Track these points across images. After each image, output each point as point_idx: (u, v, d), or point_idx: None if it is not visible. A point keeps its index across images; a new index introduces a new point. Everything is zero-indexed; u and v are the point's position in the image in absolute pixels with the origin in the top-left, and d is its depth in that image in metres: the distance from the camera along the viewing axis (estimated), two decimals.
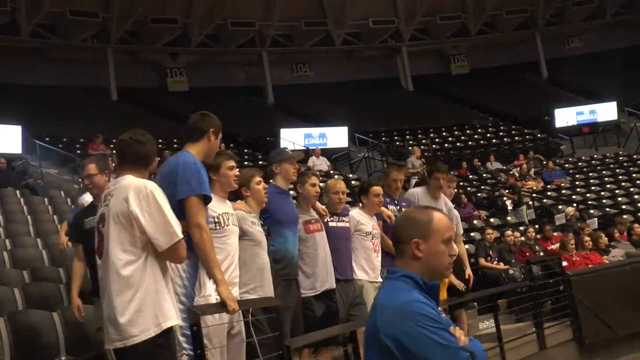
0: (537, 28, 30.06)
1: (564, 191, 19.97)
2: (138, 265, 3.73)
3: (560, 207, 17.98)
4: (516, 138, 25.57)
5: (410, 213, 2.82)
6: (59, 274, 8.12)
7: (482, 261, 11.60)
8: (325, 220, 6.37)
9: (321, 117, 25.01)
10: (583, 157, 23.67)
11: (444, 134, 25.46)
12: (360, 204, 6.94)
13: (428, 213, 2.75)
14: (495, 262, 11.82)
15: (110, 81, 24.61)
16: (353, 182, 18.64)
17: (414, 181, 17.93)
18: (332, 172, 20.36)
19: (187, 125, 4.64)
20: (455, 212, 8.17)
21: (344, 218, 6.63)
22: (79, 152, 18.76)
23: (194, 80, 26.51)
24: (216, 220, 4.65)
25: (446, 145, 24.66)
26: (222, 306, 4.18)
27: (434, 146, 23.76)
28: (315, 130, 23.63)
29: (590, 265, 11.64)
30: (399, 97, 28.21)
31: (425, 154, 21.11)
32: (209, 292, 4.29)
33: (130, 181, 3.86)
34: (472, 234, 14.38)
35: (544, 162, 21.94)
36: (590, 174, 22.01)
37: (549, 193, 19.71)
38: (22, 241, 10.03)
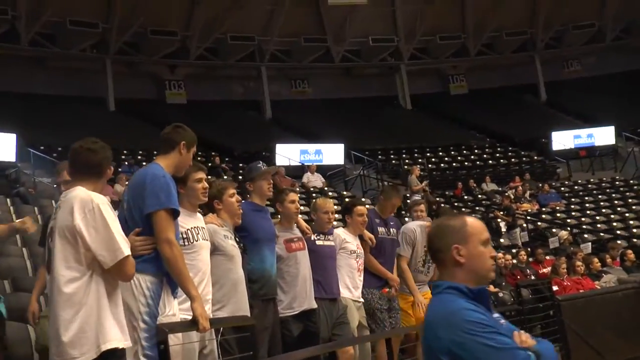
0: (536, 50, 30.08)
1: (558, 214, 19.90)
2: (82, 283, 3.61)
3: (554, 230, 17.91)
4: (513, 160, 25.51)
5: (443, 222, 2.77)
6: None
7: None
8: (313, 238, 6.32)
9: (318, 134, 24.99)
10: (579, 181, 23.62)
11: (441, 153, 25.41)
12: (344, 224, 6.90)
13: (460, 218, 2.74)
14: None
15: (108, 92, 24.57)
16: (347, 199, 18.54)
17: (416, 198, 17.88)
18: (326, 188, 20.29)
19: (160, 136, 4.52)
20: None
21: (329, 237, 6.60)
22: None
23: (192, 92, 26.50)
24: (184, 235, 4.51)
25: (442, 165, 24.61)
26: (192, 324, 4.08)
27: (430, 165, 23.69)
28: (312, 147, 23.61)
29: (581, 291, 11.57)
30: (397, 115, 28.19)
31: (421, 173, 21.04)
32: (173, 312, 4.16)
33: (78, 193, 3.72)
34: None
35: (540, 185, 21.86)
36: (586, 198, 21.95)
37: (543, 216, 19.64)
38: (7, 250, 9.92)
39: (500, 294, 11.37)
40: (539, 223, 18.95)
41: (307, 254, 6.10)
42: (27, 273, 8.75)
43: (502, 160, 25.41)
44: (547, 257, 14.09)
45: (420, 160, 24.06)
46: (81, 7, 23.60)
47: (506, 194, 20.37)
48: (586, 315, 10.59)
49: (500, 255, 12.71)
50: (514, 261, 12.97)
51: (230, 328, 4.83)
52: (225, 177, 18.06)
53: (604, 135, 25.92)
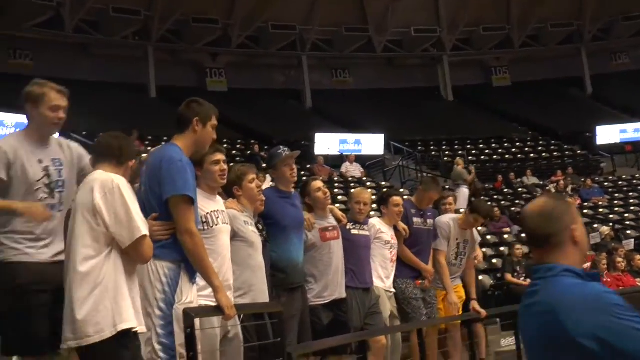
0: (583, 42, 29.57)
1: (601, 210, 19.53)
2: (98, 261, 3.60)
3: (595, 225, 17.57)
4: (555, 153, 25.15)
5: (548, 205, 2.60)
6: None
7: (508, 277, 11.36)
8: (348, 227, 6.27)
9: (358, 124, 24.90)
10: (624, 176, 23.15)
11: (482, 145, 25.14)
12: (380, 214, 6.85)
13: (563, 200, 2.67)
14: (522, 278, 11.55)
15: (150, 79, 24.78)
16: (385, 190, 18.44)
17: (461, 189, 17.71)
18: (365, 179, 20.20)
19: (177, 114, 4.33)
20: (478, 237, 8.10)
21: (364, 227, 6.56)
22: None
23: (233, 80, 26.58)
24: (204, 219, 4.39)
25: (482, 157, 24.34)
26: (218, 309, 4.02)
27: (470, 158, 23.44)
28: (351, 137, 23.52)
29: (621, 287, 11.36)
30: (438, 107, 27.97)
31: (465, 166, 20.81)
32: (190, 299, 4.07)
33: (99, 175, 3.76)
34: (501, 248, 14.12)
35: (582, 180, 21.50)
36: (630, 194, 21.50)
37: (585, 211, 19.29)
38: None
39: None
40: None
41: (341, 243, 6.03)
42: None
43: (544, 154, 25.06)
44: (588, 253, 13.84)
45: (460, 152, 23.82)
46: None
47: (547, 187, 20.05)
48: None
49: None
50: None
51: (250, 316, 4.77)
52: (264, 165, 18.07)
53: None
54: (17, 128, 18.18)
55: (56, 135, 4.39)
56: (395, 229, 6.89)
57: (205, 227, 4.34)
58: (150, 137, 19.91)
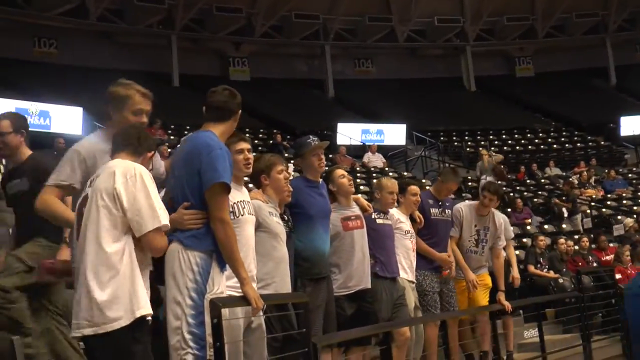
0: (608, 33, 29.30)
1: (624, 201, 19.40)
2: (115, 247, 3.56)
3: (619, 217, 17.47)
4: (578, 144, 24.99)
5: None
6: None
7: (531, 268, 11.33)
8: (373, 217, 6.23)
9: (380, 114, 24.86)
10: None
11: (504, 136, 25.03)
12: (396, 204, 6.82)
13: None
14: (545, 270, 11.53)
15: (173, 67, 24.86)
16: (402, 179, 18.43)
17: (482, 179, 17.60)
18: (387, 169, 20.19)
19: (213, 102, 4.27)
20: (503, 215, 8.06)
21: (387, 216, 6.52)
22: None
23: (255, 70, 26.61)
24: (231, 209, 4.31)
25: (505, 148, 24.20)
26: (244, 299, 4.03)
27: (492, 148, 23.32)
28: (373, 126, 23.49)
29: None
30: (461, 97, 27.85)
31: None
32: (221, 290, 4.04)
33: (119, 162, 3.71)
34: (524, 239, 14.08)
35: (606, 171, 21.35)
36: None
37: (608, 202, 19.19)
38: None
39: (560, 280, 11.16)
40: (604, 210, 18.52)
41: (364, 233, 5.96)
42: None
43: (567, 145, 24.91)
44: (611, 245, 13.77)
45: (483, 142, 23.73)
46: None
47: (570, 179, 19.94)
48: None
49: (562, 240, 12.44)
50: (576, 247, 12.70)
51: (273, 307, 4.75)
52: (286, 155, 18.10)
53: None
54: (40, 117, 18.42)
55: None
56: (411, 219, 6.87)
57: (232, 217, 4.27)
58: (173, 126, 20.01)
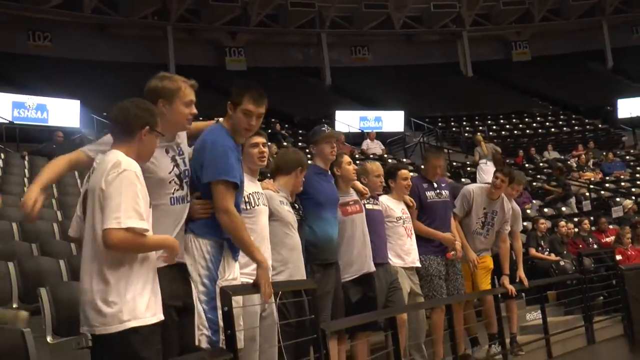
0: (604, 15, 29.29)
1: (623, 183, 19.45)
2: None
3: (618, 199, 17.53)
4: (576, 128, 25.03)
5: None
6: None
7: (532, 251, 11.37)
8: (363, 202, 6.23)
9: (378, 101, 24.87)
10: None
11: (502, 121, 25.08)
12: (389, 189, 6.81)
13: None
14: (547, 252, 11.57)
15: (169, 58, 24.83)
16: (392, 164, 18.44)
17: (482, 163, 17.61)
18: (385, 155, 20.21)
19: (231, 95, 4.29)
20: (516, 207, 8.08)
21: (376, 202, 6.51)
22: None
23: (252, 59, 26.62)
24: (246, 200, 4.46)
25: (503, 132, 24.28)
26: (255, 287, 4.08)
27: (490, 133, 23.40)
28: (371, 114, 23.53)
29: None
30: (458, 82, 27.87)
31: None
32: (233, 276, 4.10)
33: (111, 157, 3.51)
34: (524, 223, 14.07)
35: (604, 153, 21.40)
36: None
37: (607, 185, 19.25)
38: (73, 213, 10.08)
39: (562, 263, 11.20)
40: (602, 192, 18.57)
41: (364, 217, 6.01)
42: (54, 237, 8.84)
43: (565, 128, 24.95)
44: (610, 227, 13.82)
45: (481, 127, 23.78)
46: None
47: (565, 162, 19.98)
48: None
49: (562, 223, 12.48)
50: (576, 230, 12.74)
51: (288, 293, 4.81)
52: (285, 143, 18.12)
53: None
54: (38, 110, 18.42)
55: None
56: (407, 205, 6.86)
57: (248, 207, 4.41)
58: None
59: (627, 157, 22.02)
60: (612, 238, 12.51)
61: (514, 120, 25.19)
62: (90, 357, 4.78)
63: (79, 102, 18.50)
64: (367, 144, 20.55)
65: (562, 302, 10.40)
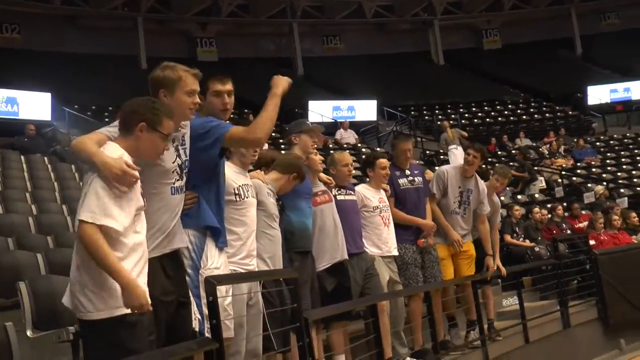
0: (573, 3, 29.55)
1: (594, 169, 19.70)
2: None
3: (589, 185, 17.76)
4: (547, 115, 25.24)
5: None
6: None
7: (507, 238, 11.46)
8: (333, 193, 6.24)
9: (350, 90, 24.90)
10: (615, 136, 23.28)
11: (474, 109, 25.23)
12: (367, 179, 6.82)
13: None
14: (521, 239, 11.69)
15: (140, 50, 24.66)
16: (369, 153, 18.50)
17: (452, 149, 17.71)
18: (359, 145, 20.26)
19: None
20: (497, 199, 8.14)
21: (350, 192, 6.49)
22: (107, 120, 18.78)
23: (223, 50, 26.50)
24: (236, 192, 4.53)
25: (475, 120, 24.44)
26: (241, 277, 4.12)
27: (463, 121, 23.54)
28: (344, 103, 23.55)
29: (618, 245, 11.51)
30: (430, 71, 27.99)
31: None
32: (216, 265, 4.13)
33: (107, 148, 3.54)
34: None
35: (575, 140, 21.64)
36: (622, 153, 21.70)
37: (578, 171, 19.48)
38: (47, 207, 10.08)
39: (537, 249, 11.32)
40: (574, 178, 18.80)
41: (333, 206, 6.02)
42: (68, 229, 8.88)
43: (536, 116, 25.15)
44: (583, 212, 14.00)
45: (453, 115, 23.91)
46: None
47: (517, 148, 20.22)
48: (623, 269, 10.60)
49: (537, 209, 12.59)
50: (549, 216, 12.87)
51: (272, 281, 4.86)
52: None
53: None
54: (8, 103, 18.19)
55: None
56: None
57: (237, 199, 4.47)
58: None
59: (598, 144, 22.30)
60: (585, 223, 12.68)
61: (485, 108, 25.35)
62: (70, 351, 4.81)
63: (50, 94, 18.30)
64: (340, 134, 20.58)
65: (537, 288, 10.52)
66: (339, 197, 6.27)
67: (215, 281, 3.93)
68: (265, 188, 5.08)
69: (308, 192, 5.69)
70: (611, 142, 22.72)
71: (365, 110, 23.25)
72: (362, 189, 6.73)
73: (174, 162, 3.88)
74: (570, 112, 25.42)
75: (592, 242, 11.08)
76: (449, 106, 25.17)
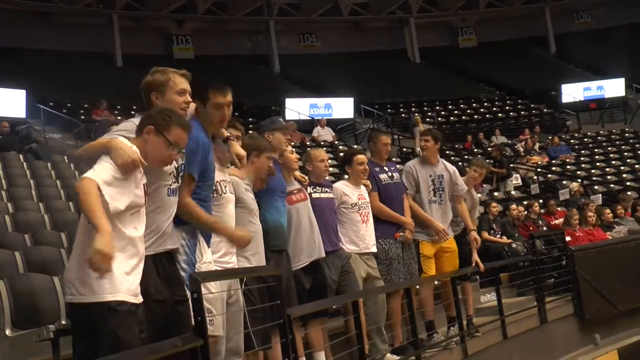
0: (547, 2, 29.79)
1: (568, 167, 19.89)
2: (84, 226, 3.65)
3: (564, 182, 17.93)
4: (522, 112, 25.43)
5: None
6: (60, 238, 8.08)
7: (485, 235, 11.53)
8: (309, 191, 6.22)
9: (327, 88, 24.90)
10: (589, 133, 23.55)
11: (450, 107, 25.34)
12: (346, 175, 6.80)
13: None
14: (499, 236, 11.78)
15: (115, 47, 24.51)
16: (347, 149, 18.53)
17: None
18: (336, 142, 20.29)
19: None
20: (476, 196, 8.14)
21: (327, 189, 6.47)
22: (83, 117, 18.71)
23: (200, 47, 26.37)
24: (214, 187, 4.51)
25: (452, 118, 24.55)
26: (224, 274, 4.14)
27: (439, 119, 23.65)
28: (321, 101, 23.55)
29: (593, 241, 11.63)
30: (406, 69, 28.09)
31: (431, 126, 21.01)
32: (209, 260, 4.21)
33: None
34: None
35: (550, 138, 21.83)
36: (596, 150, 21.94)
37: (553, 168, 19.65)
38: (24, 205, 9.99)
39: (514, 245, 11.42)
40: (549, 175, 18.97)
41: (309, 204, 6.01)
42: (45, 227, 8.81)
43: (511, 113, 25.32)
44: (559, 209, 14.13)
45: (430, 113, 24.02)
46: None
47: (492, 144, 20.40)
48: (598, 265, 10.72)
49: (513, 206, 12.72)
50: (526, 212, 12.98)
51: (253, 279, 4.84)
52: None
53: (614, 87, 25.78)
54: None
55: None
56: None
57: (215, 195, 4.47)
58: (119, 107, 19.74)
59: (572, 141, 22.52)
60: (561, 220, 12.80)
61: (461, 106, 25.47)
62: (51, 350, 4.78)
63: (24, 91, 18.12)
64: (317, 131, 20.60)
65: (514, 284, 10.60)
66: (314, 195, 6.24)
67: (199, 278, 3.93)
68: (243, 184, 5.07)
69: (282, 190, 5.68)
70: (585, 139, 22.97)
71: (342, 107, 23.27)
72: (341, 185, 6.72)
73: (171, 165, 3.96)
74: (545, 110, 25.65)
75: (568, 239, 11.19)
76: (425, 104, 25.26)
